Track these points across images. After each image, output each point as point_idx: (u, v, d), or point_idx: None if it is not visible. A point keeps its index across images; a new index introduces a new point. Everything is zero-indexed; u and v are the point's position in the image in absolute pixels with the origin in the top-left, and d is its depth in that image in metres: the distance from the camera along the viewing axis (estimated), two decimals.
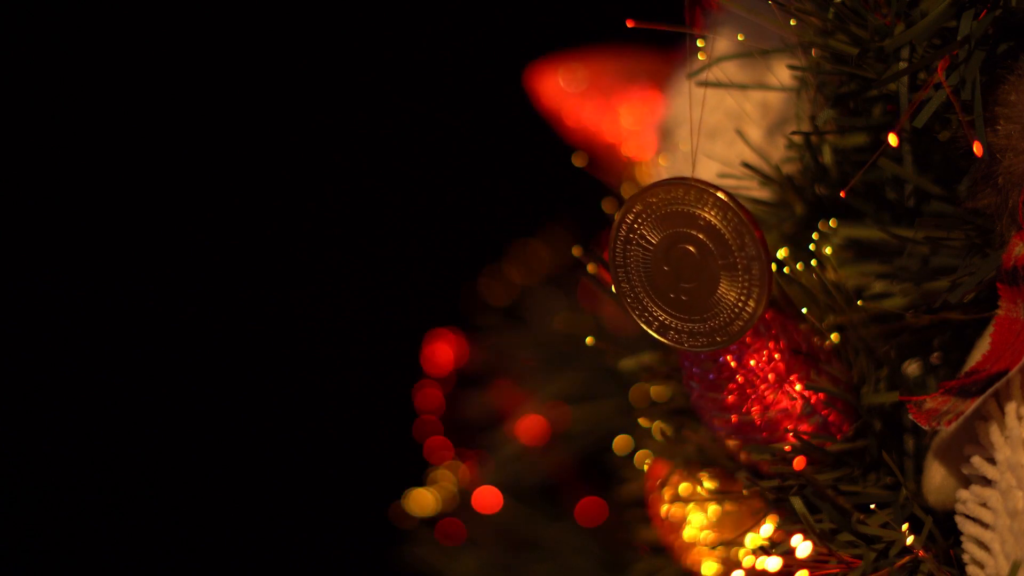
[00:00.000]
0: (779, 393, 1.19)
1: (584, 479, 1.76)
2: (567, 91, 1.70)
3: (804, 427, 1.19)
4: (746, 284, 1.12)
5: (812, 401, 1.19)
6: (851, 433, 1.20)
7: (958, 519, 1.14)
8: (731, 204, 1.11)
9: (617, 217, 1.14)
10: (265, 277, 2.40)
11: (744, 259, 1.11)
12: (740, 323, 1.13)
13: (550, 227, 1.80)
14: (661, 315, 1.15)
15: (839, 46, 1.15)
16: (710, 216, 1.12)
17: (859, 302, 1.21)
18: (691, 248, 1.13)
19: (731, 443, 1.22)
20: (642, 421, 1.32)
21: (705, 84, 1.24)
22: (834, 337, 1.21)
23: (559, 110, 1.72)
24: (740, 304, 1.12)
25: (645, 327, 1.16)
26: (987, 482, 1.12)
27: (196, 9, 2.33)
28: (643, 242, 1.14)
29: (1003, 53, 1.12)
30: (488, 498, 1.79)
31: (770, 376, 1.19)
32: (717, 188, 1.11)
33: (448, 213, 2.38)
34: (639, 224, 1.14)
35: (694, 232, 1.12)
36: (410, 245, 2.40)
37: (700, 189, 1.11)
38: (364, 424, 2.33)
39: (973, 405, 1.09)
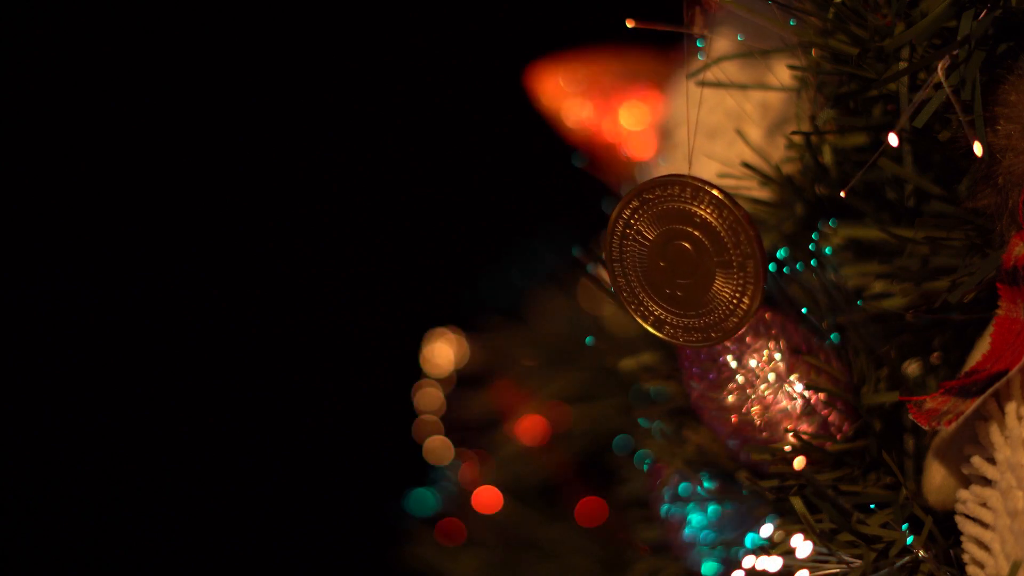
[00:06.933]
0: (779, 393, 1.19)
1: (584, 479, 1.76)
2: (567, 91, 1.70)
3: (804, 427, 1.19)
4: (741, 281, 1.12)
5: (812, 401, 1.19)
6: (851, 433, 1.20)
7: (958, 519, 1.14)
8: (726, 202, 1.11)
9: (614, 212, 1.14)
10: (265, 277, 2.40)
11: (739, 257, 1.11)
12: (735, 320, 1.13)
13: (550, 227, 1.80)
14: (657, 310, 1.15)
15: (839, 46, 1.15)
16: (706, 213, 1.12)
17: (859, 302, 1.21)
18: (687, 245, 1.13)
19: (731, 443, 1.22)
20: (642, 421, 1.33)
21: (705, 84, 1.24)
22: (834, 337, 1.21)
23: (559, 110, 1.72)
24: (735, 301, 1.13)
25: (641, 321, 1.16)
26: (987, 482, 1.12)
27: (196, 9, 2.33)
28: (639, 238, 1.14)
29: (1003, 53, 1.12)
30: (488, 498, 1.79)
31: (770, 376, 1.19)
32: (713, 186, 1.11)
33: (448, 213, 2.38)
34: (636, 220, 1.14)
35: (690, 229, 1.13)
36: (410, 245, 2.40)
37: (696, 187, 1.11)
38: (364, 424, 2.33)
39: (973, 405, 1.09)
